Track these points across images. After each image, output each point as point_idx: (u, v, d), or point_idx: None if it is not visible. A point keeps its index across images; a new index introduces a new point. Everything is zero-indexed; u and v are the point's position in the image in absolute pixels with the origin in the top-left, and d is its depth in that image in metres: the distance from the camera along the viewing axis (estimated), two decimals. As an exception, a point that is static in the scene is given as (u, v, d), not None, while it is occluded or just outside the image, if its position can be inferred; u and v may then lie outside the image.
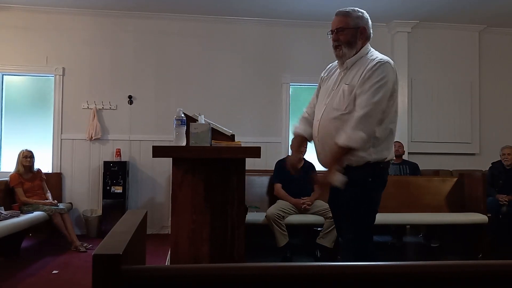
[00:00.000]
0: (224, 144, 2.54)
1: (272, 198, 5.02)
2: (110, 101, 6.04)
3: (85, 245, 4.95)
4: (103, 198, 5.68)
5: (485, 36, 6.66)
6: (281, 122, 6.34)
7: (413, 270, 1.08)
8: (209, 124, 2.55)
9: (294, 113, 6.45)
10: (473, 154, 6.58)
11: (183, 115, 2.52)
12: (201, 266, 1.05)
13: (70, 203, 5.77)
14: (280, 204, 4.69)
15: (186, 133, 2.51)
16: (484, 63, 6.67)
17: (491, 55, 6.70)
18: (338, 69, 2.57)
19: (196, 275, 1.01)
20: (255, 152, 2.38)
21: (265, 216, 4.56)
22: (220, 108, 6.13)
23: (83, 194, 5.96)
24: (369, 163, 2.40)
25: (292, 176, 4.88)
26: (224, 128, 2.76)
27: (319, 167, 5.41)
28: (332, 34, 2.51)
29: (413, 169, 5.70)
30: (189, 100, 6.06)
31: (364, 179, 2.42)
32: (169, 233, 2.53)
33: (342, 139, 2.31)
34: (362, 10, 2.55)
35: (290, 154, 5.17)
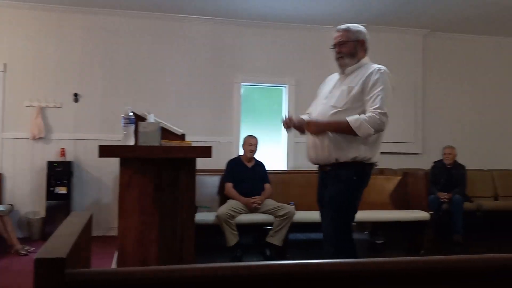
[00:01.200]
0: (174, 143, 2.51)
1: (223, 197, 5.01)
2: (54, 99, 5.83)
3: (26, 248, 4.75)
4: (47, 199, 5.47)
5: (429, 40, 6.94)
6: (232, 121, 6.34)
7: (359, 267, 1.11)
8: (159, 123, 2.51)
9: (246, 113, 6.47)
10: (416, 154, 6.84)
11: (131, 113, 2.47)
12: (149, 269, 1.03)
13: (11, 204, 5.51)
14: (230, 204, 4.69)
15: (134, 132, 2.46)
16: (427, 66, 6.95)
17: (434, 58, 6.99)
18: (337, 76, 2.83)
19: (144, 278, 0.99)
20: (206, 151, 2.38)
21: (216, 216, 4.55)
22: (170, 107, 6.05)
23: (26, 195, 5.72)
24: (356, 160, 2.59)
25: (243, 175, 4.93)
26: (174, 128, 2.73)
27: (271, 166, 5.48)
28: (335, 47, 2.78)
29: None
30: (138, 98, 5.94)
31: (350, 177, 2.62)
32: (116, 235, 2.47)
33: (355, 120, 2.51)
34: (360, 25, 2.85)
35: (241, 154, 5.19)
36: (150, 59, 6.12)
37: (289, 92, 6.50)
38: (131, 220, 2.35)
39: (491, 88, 7.15)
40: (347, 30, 2.77)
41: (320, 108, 2.73)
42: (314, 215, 5.06)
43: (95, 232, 5.44)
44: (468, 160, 6.38)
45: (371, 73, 2.63)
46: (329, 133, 2.61)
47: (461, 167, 6.06)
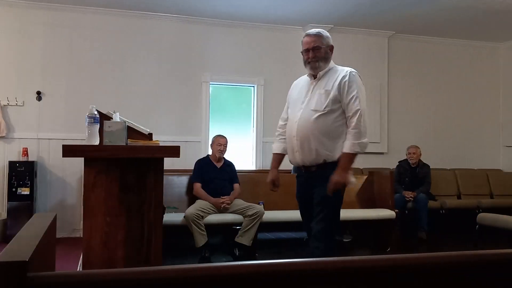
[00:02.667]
0: (141, 143, 2.47)
1: (191, 198, 4.97)
2: (16, 97, 5.65)
3: (-13, 252, 4.58)
4: (9, 200, 5.30)
5: (394, 42, 7.08)
6: (201, 121, 6.30)
7: (327, 266, 1.12)
8: (125, 122, 2.47)
9: (214, 112, 6.44)
10: (381, 153, 6.97)
11: (96, 112, 2.42)
12: (115, 271, 1.01)
13: (-30, 206, 5.32)
14: (199, 204, 4.66)
15: (99, 132, 2.41)
16: (392, 67, 7.08)
17: (398, 59, 7.14)
18: (305, 81, 2.97)
19: (110, 280, 0.97)
20: (174, 151, 2.35)
21: (184, 217, 4.51)
22: (137, 106, 5.96)
23: (-15, 196, 5.52)
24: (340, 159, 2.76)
25: (211, 175, 4.91)
26: (141, 127, 2.69)
27: (240, 166, 5.48)
28: (307, 52, 2.88)
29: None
30: (103, 97, 5.82)
31: None
32: (81, 236, 2.41)
33: (351, 148, 2.72)
34: (326, 31, 3.00)
35: (210, 153, 5.16)
36: (116, 57, 6.01)
37: (258, 92, 6.51)
38: (97, 221, 2.30)
39: (453, 89, 7.36)
40: (320, 36, 2.89)
41: (300, 113, 2.84)
42: (283, 215, 5.12)
43: (59, 234, 5.31)
44: (432, 159, 6.54)
45: (344, 76, 2.80)
46: (316, 136, 2.75)
47: (425, 166, 6.20)
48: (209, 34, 6.35)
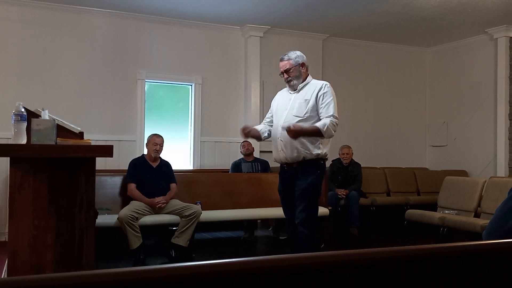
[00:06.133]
0: (71, 142, 2.38)
1: (125, 199, 4.84)
2: None
3: None
4: None
5: (328, 44, 7.27)
6: (136, 119, 6.15)
7: (265, 264, 1.13)
8: (54, 120, 2.36)
9: (150, 111, 6.31)
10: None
11: (23, 109, 2.30)
12: (44, 277, 0.96)
13: None
14: (133, 205, 4.54)
15: (27, 130, 2.29)
16: (326, 69, 7.28)
17: (332, 62, 7.34)
18: (288, 92, 3.50)
19: (38, 287, 0.92)
20: (107, 150, 2.28)
21: (117, 218, 4.38)
22: (68, 104, 5.71)
23: None
24: (318, 157, 3.31)
25: (147, 175, 4.80)
26: (71, 125, 2.59)
27: (177, 166, 5.40)
28: (282, 74, 3.43)
29: (264, 166, 5.98)
30: (31, 93, 5.52)
31: (315, 171, 3.32)
32: (7, 240, 2.28)
33: (323, 125, 3.21)
34: (296, 51, 3.48)
35: (145, 153, 5.04)
36: (46, 52, 5.73)
37: (195, 90, 6.46)
38: (24, 224, 2.18)
39: (383, 91, 7.68)
40: (288, 59, 3.40)
41: (284, 118, 3.36)
42: (220, 214, 5.11)
43: (-19, 239, 4.99)
44: (363, 158, 6.79)
45: (321, 87, 3.33)
46: (299, 137, 3.20)
47: (357, 165, 6.43)
48: (145, 31, 6.21)
